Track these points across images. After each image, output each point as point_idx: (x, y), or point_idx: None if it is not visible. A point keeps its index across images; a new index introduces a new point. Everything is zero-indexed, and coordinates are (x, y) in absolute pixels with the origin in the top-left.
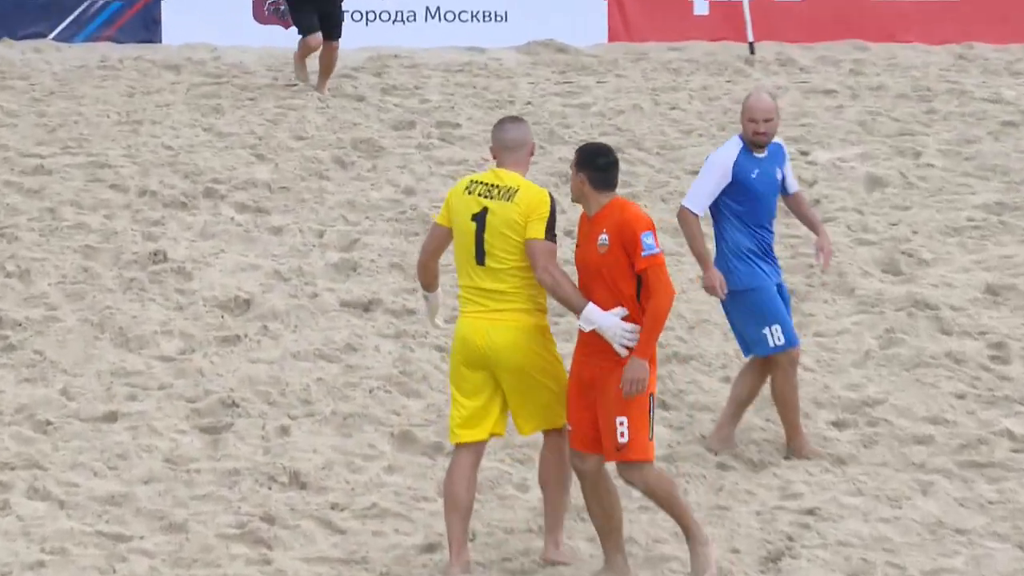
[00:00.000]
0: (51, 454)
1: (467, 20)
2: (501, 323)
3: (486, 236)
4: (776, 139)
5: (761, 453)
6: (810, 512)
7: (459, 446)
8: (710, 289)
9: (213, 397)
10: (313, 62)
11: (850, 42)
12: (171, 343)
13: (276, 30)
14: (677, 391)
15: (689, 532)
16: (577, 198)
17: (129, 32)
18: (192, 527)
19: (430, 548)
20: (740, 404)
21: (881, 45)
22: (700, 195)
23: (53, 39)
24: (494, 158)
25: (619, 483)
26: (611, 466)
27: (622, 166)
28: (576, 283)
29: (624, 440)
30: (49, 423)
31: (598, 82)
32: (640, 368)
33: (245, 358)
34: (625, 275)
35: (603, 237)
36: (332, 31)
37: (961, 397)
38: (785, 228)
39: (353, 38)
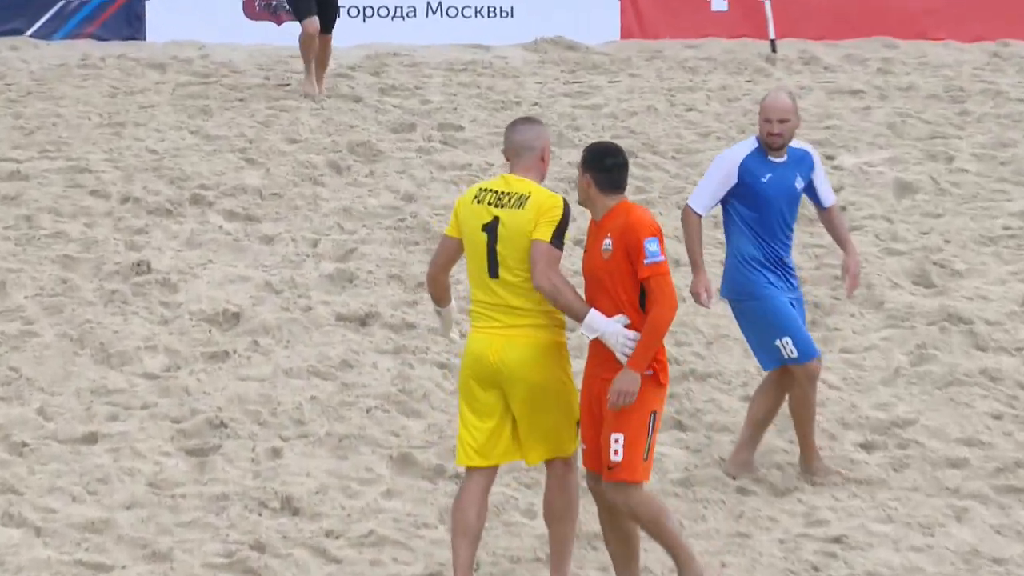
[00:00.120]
0: (27, 478)
1: (470, 16)
2: (516, 339)
3: (498, 248)
4: (806, 146)
5: (784, 477)
6: (837, 540)
7: (471, 469)
8: (694, 296)
9: (200, 417)
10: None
11: (878, 39)
12: (155, 359)
13: (267, 27)
14: (695, 411)
15: (679, 562)
16: (583, 200)
17: (111, 29)
18: (177, 556)
19: None
20: (757, 426)
21: (911, 43)
22: (703, 194)
23: (31, 36)
24: (507, 161)
25: None
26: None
27: (635, 171)
28: (582, 292)
29: (617, 458)
30: (25, 445)
31: (610, 82)
32: (631, 381)
33: (234, 375)
34: (627, 282)
35: (607, 242)
36: (327, 24)
37: (997, 417)
38: (809, 237)
39: (350, 35)
